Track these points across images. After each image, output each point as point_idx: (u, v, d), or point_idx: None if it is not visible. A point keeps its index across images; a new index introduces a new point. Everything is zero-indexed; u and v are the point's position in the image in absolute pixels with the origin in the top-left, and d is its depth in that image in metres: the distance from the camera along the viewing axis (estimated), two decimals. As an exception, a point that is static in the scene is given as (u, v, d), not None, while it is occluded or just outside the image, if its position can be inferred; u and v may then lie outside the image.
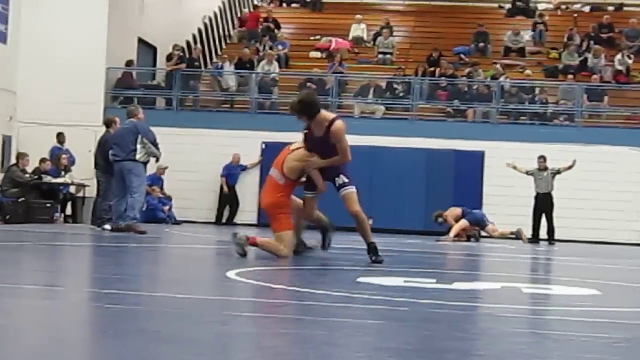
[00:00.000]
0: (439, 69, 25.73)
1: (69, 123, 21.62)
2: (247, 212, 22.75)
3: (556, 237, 20.06)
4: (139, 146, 15.09)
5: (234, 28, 31.23)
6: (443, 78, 24.91)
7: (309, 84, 24.14)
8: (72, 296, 6.21)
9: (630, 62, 25.79)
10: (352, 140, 10.31)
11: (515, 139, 22.18)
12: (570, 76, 25.06)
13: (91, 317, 5.17)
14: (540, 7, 32.11)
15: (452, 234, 18.78)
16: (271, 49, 27.18)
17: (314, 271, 8.98)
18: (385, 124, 22.89)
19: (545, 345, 4.70)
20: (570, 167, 19.96)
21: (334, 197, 9.98)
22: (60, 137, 21.08)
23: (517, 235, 19.00)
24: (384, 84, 24.64)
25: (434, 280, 7.87)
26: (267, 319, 5.26)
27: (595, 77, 24.80)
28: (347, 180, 9.78)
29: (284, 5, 33.41)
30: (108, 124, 16.80)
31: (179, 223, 21.51)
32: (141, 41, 25.37)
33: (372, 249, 9.79)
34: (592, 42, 27.32)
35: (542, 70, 26.73)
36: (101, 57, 22.81)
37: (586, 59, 26.33)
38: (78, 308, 5.51)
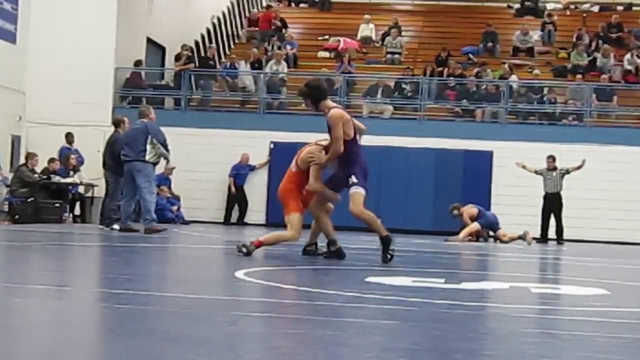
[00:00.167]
0: (447, 69, 25.70)
1: (78, 123, 21.65)
2: (256, 211, 22.76)
3: (565, 237, 20.02)
4: (148, 146, 15.10)
5: (242, 28, 31.24)
6: (451, 78, 24.89)
7: (316, 83, 24.11)
8: (81, 296, 6.21)
9: (639, 61, 25.73)
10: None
11: (523, 139, 22.15)
12: (579, 76, 25.02)
13: (100, 317, 5.18)
14: (549, 6, 32.03)
15: (462, 235, 18.75)
16: (279, 48, 27.19)
17: (322, 271, 8.97)
18: (394, 123, 22.87)
19: (555, 345, 4.69)
20: (579, 167, 19.92)
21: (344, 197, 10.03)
22: (69, 136, 21.11)
23: (523, 237, 18.93)
24: (392, 84, 24.62)
25: (443, 280, 7.86)
26: (275, 319, 5.26)
27: (604, 76, 24.76)
28: (356, 181, 9.74)
29: (292, 5, 33.41)
30: (116, 123, 16.82)
31: (187, 223, 21.52)
32: (149, 41, 25.40)
33: (383, 242, 9.70)
34: (600, 42, 27.26)
35: (550, 69, 26.69)
36: (110, 57, 22.84)
37: (595, 59, 26.28)
38: (87, 308, 5.52)
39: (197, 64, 25.56)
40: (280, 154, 22.45)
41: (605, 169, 21.59)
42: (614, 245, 20.60)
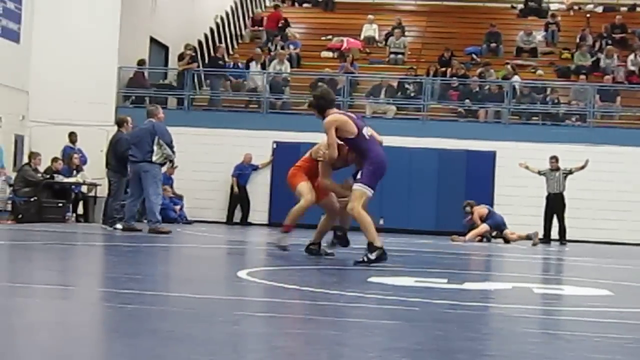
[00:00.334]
0: (450, 69, 25.68)
1: (81, 122, 21.67)
2: (258, 211, 22.76)
3: (567, 237, 20.02)
4: (155, 147, 15.07)
5: (245, 28, 31.24)
6: (454, 78, 24.87)
7: (320, 84, 24.14)
8: (84, 295, 6.23)
9: (643, 62, 25.72)
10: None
11: (526, 139, 22.14)
12: (583, 76, 24.99)
13: (103, 317, 5.19)
14: (553, 7, 32.00)
15: (469, 236, 18.77)
16: (282, 48, 27.19)
17: (325, 271, 8.98)
18: (397, 123, 22.86)
19: (557, 345, 4.70)
20: (582, 167, 19.91)
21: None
22: (72, 136, 21.11)
23: (532, 237, 18.89)
24: (395, 84, 24.61)
25: (445, 280, 7.87)
26: (278, 319, 5.27)
27: (607, 77, 24.74)
28: (360, 177, 9.55)
29: (296, 4, 33.40)
30: (120, 123, 16.83)
31: (190, 223, 21.52)
32: (153, 40, 25.41)
33: (370, 249, 9.40)
34: (604, 43, 27.24)
35: (554, 70, 26.67)
36: (113, 56, 22.85)
37: (598, 59, 26.26)
38: (90, 307, 5.53)
39: (200, 64, 25.58)
40: (283, 154, 22.46)
41: (609, 169, 21.57)
42: (616, 246, 20.59)
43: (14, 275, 7.33)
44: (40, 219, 18.15)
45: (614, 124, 23.56)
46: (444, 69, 25.93)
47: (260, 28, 29.91)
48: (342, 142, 9.72)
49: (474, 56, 27.32)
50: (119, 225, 15.77)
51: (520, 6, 31.70)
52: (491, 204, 21.23)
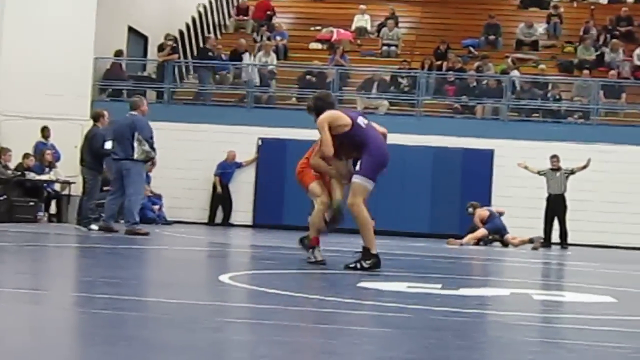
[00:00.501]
0: (446, 63, 25.73)
1: (54, 116, 21.60)
2: (242, 212, 22.74)
3: (569, 241, 20.06)
4: (135, 143, 14.99)
5: (230, 17, 31.21)
6: (451, 72, 24.91)
7: (308, 77, 24.15)
8: (57, 300, 6.21)
9: (650, 56, 25.81)
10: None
11: (526, 137, 22.18)
12: (586, 71, 25.04)
13: (77, 323, 5.18)
14: (555, -3, 32.08)
15: (466, 239, 18.81)
16: (269, 39, 27.18)
17: (312, 275, 8.98)
18: (389, 119, 22.81)
19: (558, 354, 4.71)
20: (584, 167, 19.95)
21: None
22: (45, 131, 21.07)
23: (533, 241, 18.92)
24: (388, 78, 24.63)
25: (439, 286, 7.88)
26: (262, 326, 5.27)
27: (612, 72, 24.81)
28: (359, 169, 9.37)
29: (283, -7, 33.38)
30: (95, 117, 16.77)
31: (169, 223, 21.50)
32: (131, 30, 25.36)
33: (364, 254, 9.28)
34: (609, 36, 27.31)
35: (556, 64, 26.73)
36: (88, 47, 22.78)
37: (603, 54, 26.32)
38: (63, 313, 5.52)
39: (181, 55, 25.55)
40: (269, 151, 22.49)
41: (613, 169, 21.64)
42: (620, 250, 20.65)
43: (-18, 278, 7.31)
44: (10, 218, 18.10)
45: (619, 121, 23.62)
46: (439, 62, 25.96)
47: (246, 17, 29.89)
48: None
49: (472, 49, 27.36)
50: (94, 226, 15.74)
51: (521, -4, 31.75)
52: (488, 206, 21.26)
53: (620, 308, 7.13)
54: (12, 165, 19.51)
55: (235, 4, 31.76)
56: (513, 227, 19.67)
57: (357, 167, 9.38)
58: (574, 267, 13.40)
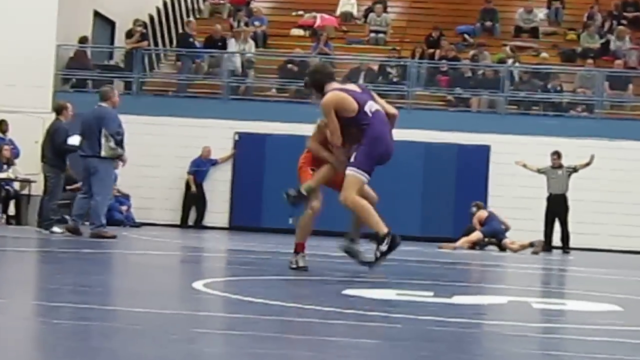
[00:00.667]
0: (439, 51, 25.77)
1: (13, 109, 21.53)
2: (217, 213, 22.73)
3: (571, 245, 20.12)
4: (103, 139, 14.90)
5: (204, 0, 31.17)
6: (444, 61, 24.95)
7: (289, 66, 24.15)
8: (17, 309, 6.20)
9: (658, 45, 25.94)
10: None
11: (525, 132, 22.25)
12: (590, 60, 25.14)
13: (38, 334, 5.17)
14: (557, -19, 32.16)
15: (459, 242, 18.86)
16: (246, 25, 27.15)
17: (293, 282, 8.99)
18: (377, 113, 22.90)
19: (558, 368, 4.73)
20: (587, 164, 20.00)
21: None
22: (2, 125, 21.02)
23: (533, 245, 18.96)
24: (376, 67, 24.67)
25: (431, 293, 7.90)
26: (240, 337, 5.28)
27: (618, 62, 24.90)
28: (353, 160, 9.30)
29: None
30: (58, 110, 16.71)
31: (138, 225, 21.48)
32: (97, 14, 25.31)
33: (377, 239, 9.23)
34: (615, 22, 27.40)
35: (557, 53, 26.80)
36: (50, 33, 22.73)
37: (608, 41, 26.41)
38: (23, 323, 5.51)
39: (151, 42, 25.50)
40: (247, 147, 22.48)
41: (618, 167, 21.72)
42: (626, 254, 20.71)
43: None
44: (-36, 220, 18.06)
45: (625, 115, 23.72)
46: (431, 50, 26.01)
47: (222, 1, 29.86)
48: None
49: (467, 36, 27.42)
50: (56, 229, 15.68)
51: (520, -21, 31.83)
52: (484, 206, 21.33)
53: (626, 317, 7.16)
54: (-33, 162, 19.46)
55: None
56: (511, 229, 19.71)
57: (352, 158, 9.29)
58: (577, 273, 13.44)
